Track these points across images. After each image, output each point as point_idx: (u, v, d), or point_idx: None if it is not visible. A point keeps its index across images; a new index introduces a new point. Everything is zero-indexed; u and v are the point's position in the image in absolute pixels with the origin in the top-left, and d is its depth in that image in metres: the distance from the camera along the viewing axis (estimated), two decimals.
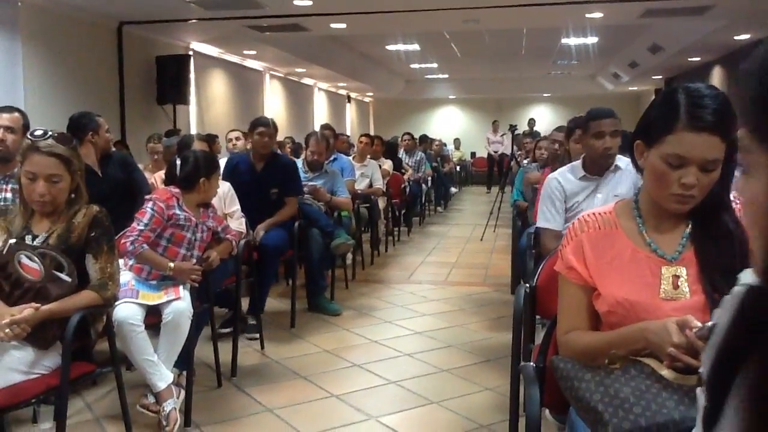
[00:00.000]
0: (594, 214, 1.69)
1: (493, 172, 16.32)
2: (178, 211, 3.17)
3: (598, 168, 3.20)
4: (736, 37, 9.12)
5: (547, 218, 3.21)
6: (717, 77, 11.24)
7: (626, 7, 7.01)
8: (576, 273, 1.65)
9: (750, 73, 0.66)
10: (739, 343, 0.65)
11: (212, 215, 3.40)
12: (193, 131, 9.11)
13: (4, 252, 2.25)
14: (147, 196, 3.24)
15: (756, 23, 8.15)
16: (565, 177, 3.23)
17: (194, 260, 3.23)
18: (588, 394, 1.43)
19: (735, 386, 0.65)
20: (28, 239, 2.31)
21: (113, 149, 4.42)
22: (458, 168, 16.53)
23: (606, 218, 1.67)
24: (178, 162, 3.32)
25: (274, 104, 12.62)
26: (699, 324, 1.37)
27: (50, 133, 2.33)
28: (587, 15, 7.68)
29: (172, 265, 3.09)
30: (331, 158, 6.04)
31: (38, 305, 2.16)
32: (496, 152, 16.34)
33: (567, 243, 1.69)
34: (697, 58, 11.36)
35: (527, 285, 2.48)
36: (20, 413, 2.98)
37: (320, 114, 15.59)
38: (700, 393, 0.79)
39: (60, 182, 2.31)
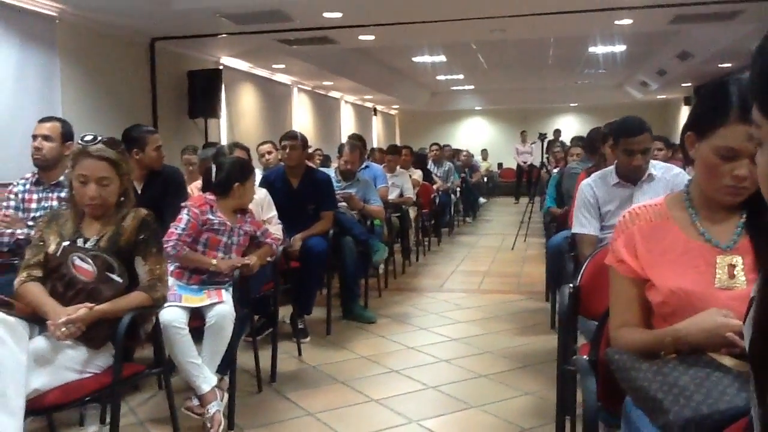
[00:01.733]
0: (645, 206, 1.69)
1: (522, 182, 16.28)
2: (212, 216, 3.24)
3: (627, 177, 3.21)
4: None
5: (582, 224, 3.22)
6: None
7: (656, 12, 6.97)
8: (627, 266, 1.65)
9: (761, 50, 0.67)
10: None
11: (249, 220, 3.45)
12: (225, 144, 9.23)
13: (58, 254, 2.31)
14: (183, 204, 3.30)
15: None
16: (598, 184, 3.25)
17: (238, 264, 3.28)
18: (646, 383, 1.43)
19: None
20: (79, 242, 2.37)
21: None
22: (485, 179, 16.51)
23: (657, 210, 1.67)
24: (214, 169, 3.38)
25: (301, 117, 12.74)
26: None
27: (99, 138, 2.39)
28: (616, 22, 7.65)
29: (214, 261, 3.17)
30: (363, 166, 6.09)
31: (92, 305, 2.21)
32: (525, 163, 16.31)
33: (618, 236, 1.69)
34: (728, 64, 11.22)
35: (570, 285, 2.49)
36: (67, 417, 3.05)
37: (347, 126, 15.70)
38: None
39: (110, 185, 2.37)
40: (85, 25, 6.54)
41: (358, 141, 6.39)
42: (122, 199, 2.45)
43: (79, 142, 2.37)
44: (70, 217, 2.44)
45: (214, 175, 3.35)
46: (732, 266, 1.55)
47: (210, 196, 3.31)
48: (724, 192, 1.55)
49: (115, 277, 2.31)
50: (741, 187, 1.52)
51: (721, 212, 1.61)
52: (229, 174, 3.31)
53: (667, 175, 3.15)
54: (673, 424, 1.33)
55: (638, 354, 1.53)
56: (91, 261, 2.29)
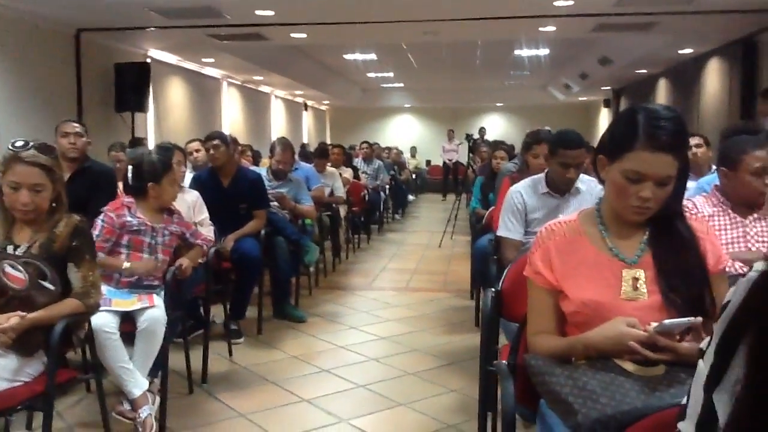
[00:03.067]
0: (560, 222, 1.84)
1: (448, 179, 16.59)
2: (130, 218, 3.24)
3: (556, 188, 3.34)
4: (680, 51, 9.53)
5: (508, 228, 3.37)
6: (662, 89, 11.69)
7: (578, 21, 7.28)
8: (543, 278, 1.79)
9: None
10: (747, 317, 0.89)
11: (177, 220, 3.45)
12: (152, 139, 9.07)
13: None
14: (102, 209, 3.28)
15: (698, 39, 8.56)
16: (528, 191, 3.37)
17: (160, 264, 3.28)
18: (558, 387, 1.57)
19: (739, 350, 0.89)
20: (9, 249, 2.35)
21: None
22: (414, 176, 16.75)
23: (571, 226, 1.82)
24: (130, 170, 3.38)
25: (231, 112, 12.61)
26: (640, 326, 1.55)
27: (32, 143, 2.37)
28: (540, 28, 7.95)
29: (127, 264, 3.16)
30: (293, 168, 6.12)
31: (24, 313, 2.20)
32: (450, 160, 16.62)
33: (535, 250, 1.82)
34: (644, 71, 11.79)
35: (493, 289, 2.63)
36: None
37: (277, 122, 15.62)
38: (702, 364, 1.02)
39: (43, 191, 2.36)
40: (6, 14, 6.31)
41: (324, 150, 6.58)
42: (54, 204, 2.43)
43: (10, 147, 2.34)
44: None
45: (130, 176, 3.35)
46: (636, 279, 1.70)
47: (128, 198, 3.33)
48: (630, 211, 1.70)
49: (47, 284, 2.30)
50: (645, 207, 1.68)
51: (628, 229, 1.76)
52: (141, 174, 3.31)
53: (591, 190, 3.28)
54: (581, 424, 1.47)
55: (553, 359, 1.68)
56: (22, 268, 2.28)
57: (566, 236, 1.80)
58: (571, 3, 6.42)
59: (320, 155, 7.29)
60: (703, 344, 1.06)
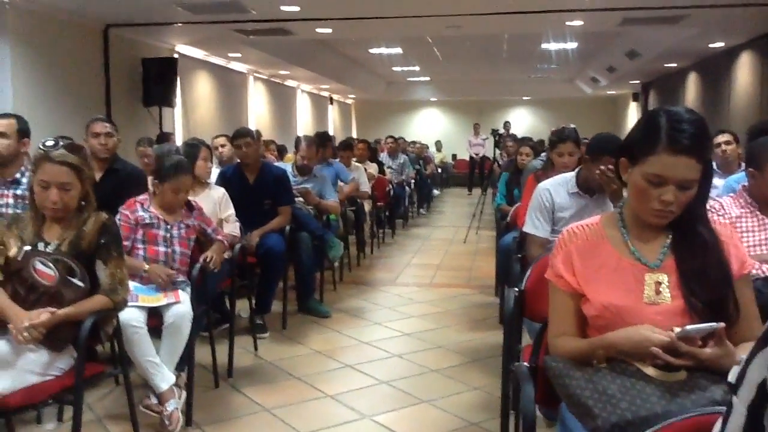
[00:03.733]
0: (582, 226, 1.83)
1: (474, 174, 16.52)
2: (142, 213, 3.34)
3: (591, 189, 3.28)
4: (710, 45, 9.39)
5: (535, 225, 3.35)
6: (692, 82, 11.52)
7: (605, 15, 7.21)
8: (565, 281, 1.78)
9: None
10: None
11: (197, 215, 3.51)
12: (179, 133, 9.18)
13: (20, 258, 2.35)
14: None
15: (728, 32, 8.41)
16: (557, 189, 3.33)
17: (178, 256, 3.35)
18: (578, 391, 1.57)
19: None
20: (40, 246, 2.41)
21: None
22: (439, 170, 16.71)
23: (593, 229, 1.81)
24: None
25: (257, 106, 12.69)
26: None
27: (61, 142, 2.43)
28: (567, 23, 7.88)
29: (147, 267, 3.22)
30: (327, 163, 6.31)
31: (54, 309, 2.26)
32: (477, 155, 16.55)
33: (557, 253, 1.82)
34: (673, 64, 11.63)
35: (516, 289, 2.63)
36: (24, 415, 3.07)
37: (303, 116, 15.68)
38: (737, 402, 0.96)
39: (71, 190, 2.41)
40: (36, 10, 6.42)
41: (324, 138, 6.62)
42: (83, 203, 2.49)
43: (41, 147, 2.40)
44: (30, 220, 2.47)
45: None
46: (658, 283, 1.69)
47: (142, 196, 3.44)
48: (652, 214, 1.69)
49: (76, 281, 2.36)
50: (667, 211, 1.66)
51: (650, 232, 1.75)
52: (155, 170, 3.43)
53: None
54: (600, 428, 1.47)
55: (573, 361, 1.68)
56: (52, 265, 2.33)
57: (588, 239, 1.79)
58: None
59: (345, 148, 7.33)
60: (732, 376, 1.02)
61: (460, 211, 12.43)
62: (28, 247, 2.37)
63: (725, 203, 2.72)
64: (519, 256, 3.61)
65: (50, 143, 2.40)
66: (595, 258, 1.76)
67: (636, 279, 1.71)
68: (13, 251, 2.39)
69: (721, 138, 4.62)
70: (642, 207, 1.69)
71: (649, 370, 1.55)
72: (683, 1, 6.51)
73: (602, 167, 3.14)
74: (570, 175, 3.40)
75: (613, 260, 1.74)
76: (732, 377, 1.02)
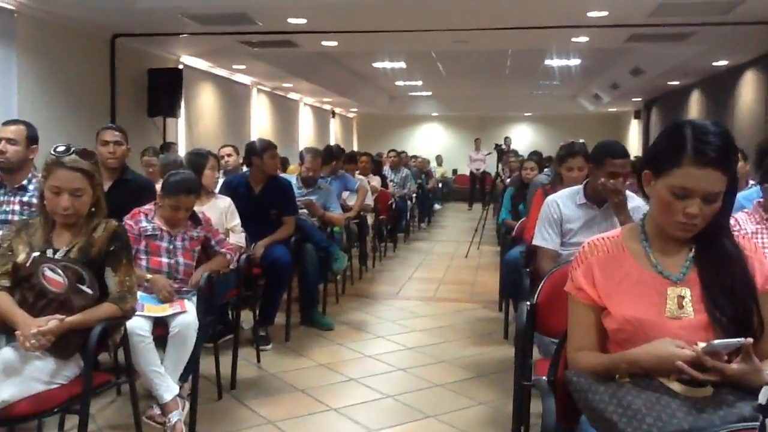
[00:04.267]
0: (603, 238, 1.81)
1: (475, 189, 16.52)
2: (146, 224, 3.34)
3: (599, 200, 3.29)
4: (714, 63, 9.41)
5: (544, 238, 3.33)
6: (695, 100, 11.55)
7: (612, 32, 7.22)
8: (585, 294, 1.76)
9: None
10: None
11: (202, 227, 3.48)
12: (182, 144, 9.17)
13: (28, 264, 2.32)
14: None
15: (733, 50, 8.44)
16: (565, 201, 3.33)
17: (181, 267, 3.34)
18: (602, 405, 1.54)
19: None
20: (49, 253, 2.37)
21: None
22: (440, 185, 16.71)
23: (614, 242, 1.79)
24: None
25: (260, 118, 12.70)
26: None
27: (73, 148, 2.40)
28: (573, 39, 7.90)
29: (149, 277, 3.21)
30: (335, 176, 6.32)
31: (63, 317, 2.23)
32: (478, 170, 16.56)
33: (577, 266, 1.79)
34: (677, 82, 11.66)
35: (527, 303, 2.60)
36: (25, 425, 3.02)
37: (305, 129, 15.70)
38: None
39: (83, 196, 2.38)
40: (44, 19, 6.43)
41: (336, 151, 6.63)
42: (93, 209, 2.46)
43: (52, 152, 2.37)
44: (39, 226, 2.44)
45: None
46: (681, 297, 1.67)
47: (147, 206, 3.44)
48: (676, 227, 1.67)
49: (85, 288, 2.32)
50: (692, 224, 1.64)
51: (673, 245, 1.73)
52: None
53: (629, 204, 3.23)
54: None
55: (594, 376, 1.65)
56: (61, 272, 2.30)
57: (609, 252, 1.77)
58: (605, 14, 6.38)
59: (348, 161, 7.33)
60: (763, 397, 0.99)
61: (461, 226, 12.41)
62: (36, 253, 2.34)
63: (740, 219, 2.69)
64: (528, 269, 3.58)
65: (62, 149, 2.38)
66: (617, 271, 1.74)
67: (658, 293, 1.68)
68: (21, 257, 2.36)
69: None
70: (666, 220, 1.67)
71: (674, 386, 1.52)
72: (691, 18, 6.52)
73: (602, 179, 3.15)
74: (578, 188, 3.40)
75: (635, 273, 1.72)
76: (763, 398, 1.00)
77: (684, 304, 1.66)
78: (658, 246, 1.74)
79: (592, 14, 6.38)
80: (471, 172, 16.83)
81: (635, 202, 3.29)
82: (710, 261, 1.69)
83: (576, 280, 1.78)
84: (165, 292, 3.16)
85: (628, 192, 3.36)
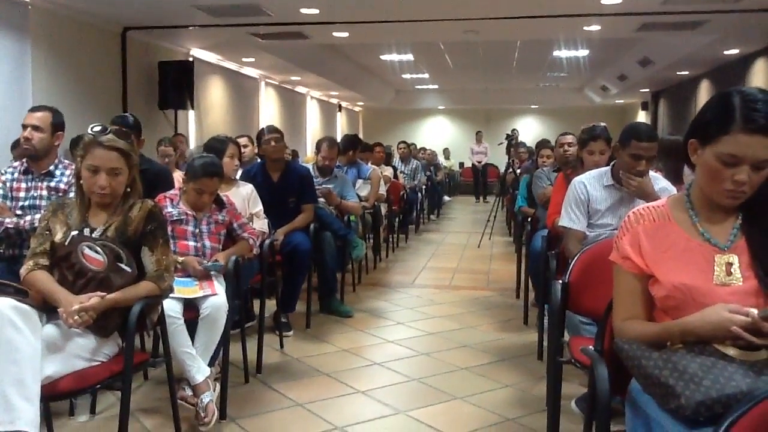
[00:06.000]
0: (648, 207, 1.81)
1: (479, 181, 16.53)
2: (171, 209, 3.37)
3: (621, 179, 3.30)
4: (725, 52, 9.39)
5: (572, 219, 3.33)
6: (704, 90, 11.52)
7: (624, 20, 7.21)
8: (632, 262, 1.76)
9: None
10: None
11: (227, 210, 3.50)
12: (193, 136, 9.19)
13: (66, 243, 2.33)
14: None
15: (744, 39, 8.42)
16: (592, 183, 3.34)
17: (208, 250, 3.37)
18: (657, 371, 1.54)
19: None
20: (86, 232, 2.39)
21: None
22: (446, 177, 16.71)
23: (660, 211, 1.79)
24: None
25: (268, 111, 12.71)
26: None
27: (109, 128, 2.42)
28: (585, 27, 7.88)
29: (180, 259, 3.23)
30: (352, 164, 6.33)
31: (104, 294, 2.24)
32: (479, 162, 16.57)
33: (623, 234, 1.80)
34: (686, 72, 11.63)
35: (561, 281, 2.61)
36: (56, 406, 3.04)
37: (312, 122, 15.71)
38: None
39: (120, 175, 2.40)
40: (57, 12, 6.45)
41: (354, 141, 6.66)
42: (129, 189, 2.47)
43: (89, 132, 2.38)
44: (76, 206, 2.46)
45: None
46: (729, 264, 1.67)
47: (173, 192, 3.48)
48: (724, 195, 1.67)
49: (124, 266, 2.33)
50: (740, 191, 1.64)
51: (720, 214, 1.73)
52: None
53: (655, 186, 3.24)
54: (685, 407, 1.45)
55: (645, 344, 1.65)
56: (101, 250, 2.31)
57: (655, 221, 1.77)
58: (619, 1, 6.36)
59: (363, 151, 7.34)
60: None
61: (470, 218, 12.42)
62: (75, 233, 2.35)
63: None
64: (554, 252, 3.58)
65: (98, 128, 2.39)
66: (663, 239, 1.74)
67: (705, 260, 1.69)
68: (59, 236, 2.38)
69: None
70: (714, 188, 1.67)
71: (730, 350, 1.53)
72: (703, 6, 6.51)
73: (621, 172, 3.18)
74: (605, 169, 3.41)
75: (682, 242, 1.72)
76: None
77: (732, 270, 1.67)
78: (704, 215, 1.75)
79: (605, 1, 6.36)
80: (473, 165, 16.83)
81: (662, 184, 3.29)
82: (758, 228, 1.69)
83: (622, 249, 1.78)
84: (198, 271, 3.19)
85: (653, 174, 3.37)
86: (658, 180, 3.33)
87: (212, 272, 3.24)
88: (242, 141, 6.08)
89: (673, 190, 3.28)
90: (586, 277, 2.61)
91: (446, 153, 18.20)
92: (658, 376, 1.54)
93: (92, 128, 2.39)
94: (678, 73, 11.71)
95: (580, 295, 2.60)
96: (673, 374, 1.51)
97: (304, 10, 6.84)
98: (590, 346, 1.92)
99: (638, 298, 1.77)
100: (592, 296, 2.52)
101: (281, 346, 4.22)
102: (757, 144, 1.59)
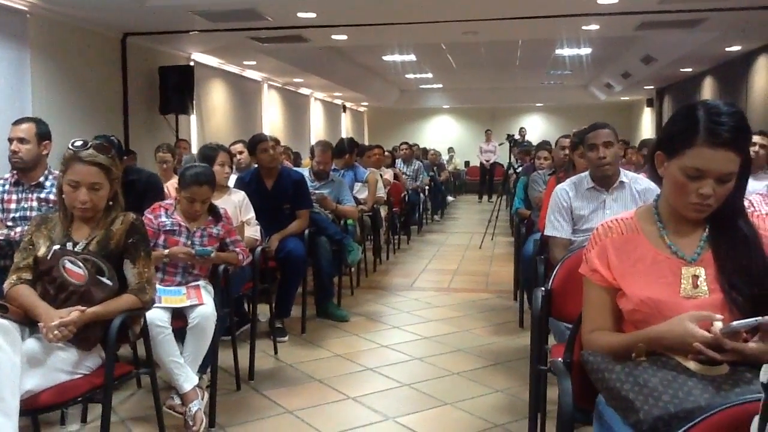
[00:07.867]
0: (617, 220, 1.82)
1: (486, 180, 16.50)
2: (165, 219, 3.37)
3: (600, 181, 3.33)
4: (727, 49, 9.33)
5: (555, 227, 3.35)
6: (708, 87, 11.46)
7: (622, 19, 7.18)
8: (600, 275, 1.77)
9: None
10: None
11: (222, 224, 3.50)
12: (195, 141, 9.22)
13: (49, 258, 2.36)
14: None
15: (745, 35, 8.36)
16: (573, 188, 3.38)
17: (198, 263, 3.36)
18: (618, 384, 1.55)
19: None
20: (69, 246, 2.41)
21: None
22: (452, 177, 16.70)
23: (628, 223, 1.79)
24: None
25: (271, 114, 12.74)
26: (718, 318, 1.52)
27: (90, 143, 2.44)
28: (583, 27, 7.85)
29: (166, 252, 3.26)
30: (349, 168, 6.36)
31: (84, 308, 2.26)
32: (488, 161, 16.53)
33: (592, 247, 1.80)
34: (689, 69, 11.57)
35: (542, 288, 2.62)
36: (47, 416, 3.07)
37: (316, 123, 15.72)
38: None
39: (101, 190, 2.42)
40: (56, 20, 6.49)
41: (351, 144, 6.69)
42: (111, 203, 2.50)
43: (70, 147, 2.41)
44: (59, 220, 2.48)
45: None
46: (696, 277, 1.68)
47: (168, 201, 3.48)
48: (689, 208, 1.67)
49: (105, 280, 2.36)
50: (705, 204, 1.65)
51: (687, 226, 1.74)
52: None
53: (637, 186, 3.28)
54: (643, 422, 1.45)
55: (611, 356, 1.66)
56: (82, 264, 2.34)
57: (623, 234, 1.78)
58: (616, 1, 6.34)
59: (361, 154, 7.37)
60: (764, 375, 1.00)
61: (474, 218, 12.41)
62: (57, 247, 2.38)
63: (755, 201, 2.68)
64: (542, 257, 3.58)
65: (79, 143, 2.41)
66: (631, 252, 1.74)
67: (672, 273, 1.69)
68: (42, 251, 2.41)
69: (757, 138, 4.56)
70: (679, 201, 1.68)
71: (691, 364, 1.53)
72: (702, 4, 6.47)
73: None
74: (584, 174, 3.45)
75: (650, 254, 1.73)
76: (764, 377, 1.01)
77: (699, 283, 1.67)
78: (672, 227, 1.75)
79: (602, 1, 6.34)
80: (481, 164, 16.79)
81: (644, 184, 3.31)
82: (724, 241, 1.69)
83: (590, 261, 1.79)
84: (186, 256, 3.23)
85: (635, 175, 3.40)
86: (640, 181, 3.35)
87: (200, 257, 3.27)
88: (237, 147, 6.10)
89: (657, 189, 3.29)
90: (569, 283, 2.61)
91: (451, 152, 18.18)
92: (619, 389, 1.55)
93: (73, 143, 2.41)
94: (681, 70, 11.65)
95: (563, 301, 2.60)
96: (633, 388, 1.52)
97: (301, 14, 6.86)
98: (559, 359, 1.92)
99: (606, 311, 1.77)
100: (576, 303, 2.51)
101: (275, 351, 4.24)
102: (721, 158, 1.59)
